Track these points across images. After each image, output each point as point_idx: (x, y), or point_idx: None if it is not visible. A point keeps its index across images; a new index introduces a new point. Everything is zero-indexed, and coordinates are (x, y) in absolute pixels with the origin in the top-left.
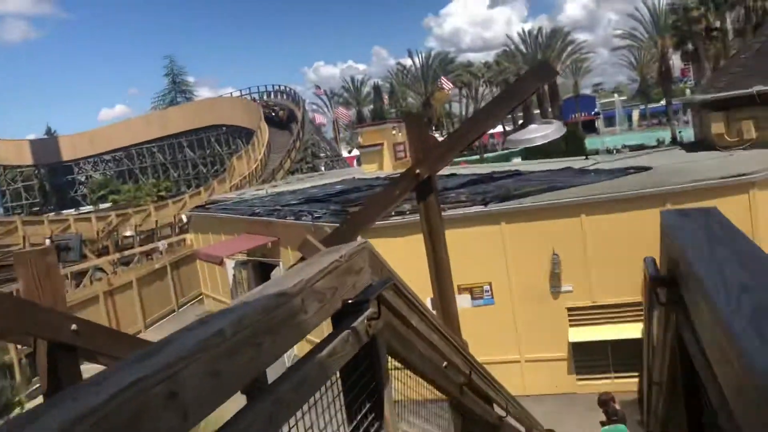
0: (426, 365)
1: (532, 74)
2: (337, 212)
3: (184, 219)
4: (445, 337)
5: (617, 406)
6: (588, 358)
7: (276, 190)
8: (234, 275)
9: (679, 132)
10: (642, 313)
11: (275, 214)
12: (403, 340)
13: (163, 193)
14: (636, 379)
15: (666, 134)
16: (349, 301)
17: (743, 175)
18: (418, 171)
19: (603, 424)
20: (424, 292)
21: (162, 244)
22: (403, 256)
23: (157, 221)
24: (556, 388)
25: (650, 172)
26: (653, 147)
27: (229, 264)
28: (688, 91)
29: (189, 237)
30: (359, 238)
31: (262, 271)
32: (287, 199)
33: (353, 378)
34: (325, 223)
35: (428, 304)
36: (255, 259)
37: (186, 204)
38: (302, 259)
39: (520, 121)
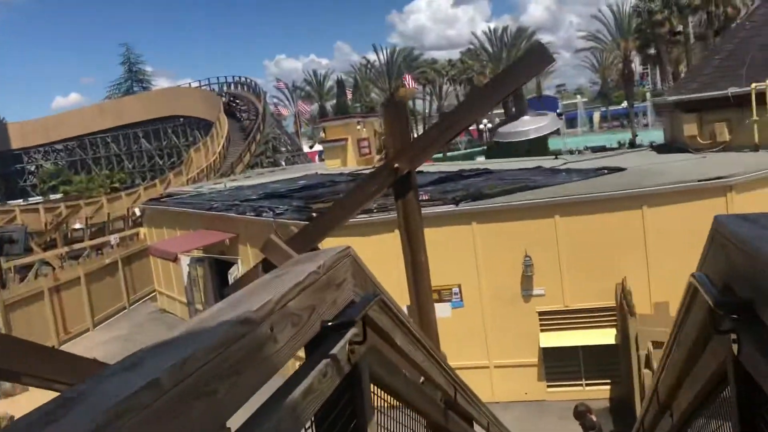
0: (411, 390)
1: (528, 58)
2: (300, 208)
3: (137, 212)
4: (430, 355)
5: (594, 418)
6: (559, 364)
7: (235, 184)
8: (189, 272)
9: (636, 135)
10: (615, 319)
11: (234, 209)
12: (387, 364)
13: (116, 185)
14: (608, 387)
15: (627, 136)
16: (330, 324)
17: (721, 177)
18: (397, 165)
19: None
20: (397, 300)
21: (114, 238)
22: (372, 257)
23: (109, 214)
24: (526, 395)
25: (624, 173)
26: (615, 149)
27: (184, 260)
28: (647, 94)
29: (142, 231)
30: (336, 246)
31: (219, 269)
32: (247, 193)
33: (330, 419)
34: (287, 220)
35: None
36: (212, 257)
37: (140, 196)
38: (265, 261)
39: (497, 120)
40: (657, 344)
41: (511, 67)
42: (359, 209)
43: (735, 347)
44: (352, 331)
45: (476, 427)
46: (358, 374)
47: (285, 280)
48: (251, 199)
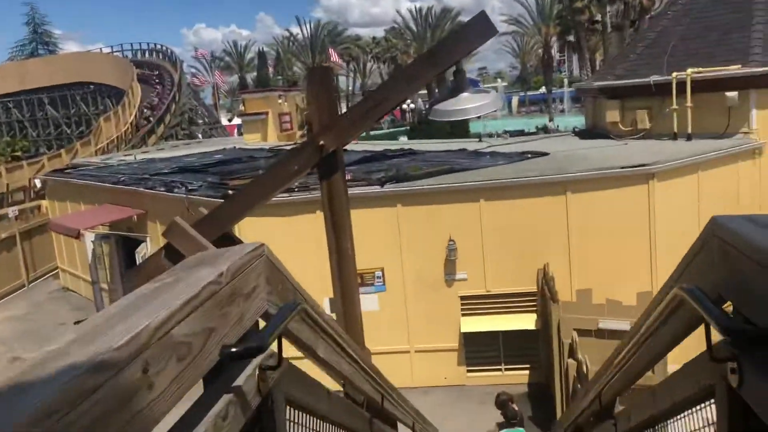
0: (334, 407)
1: (469, 30)
2: (215, 185)
3: (38, 184)
4: (355, 362)
5: (515, 407)
6: (479, 349)
7: (147, 156)
8: (94, 250)
9: (551, 121)
10: (536, 304)
11: (143, 183)
12: (307, 384)
13: (18, 153)
14: (526, 372)
15: (544, 121)
16: (233, 350)
17: (644, 165)
18: (322, 142)
19: (500, 426)
20: (315, 291)
21: (12, 211)
22: (293, 241)
23: (8, 185)
24: (445, 380)
25: (548, 158)
26: (533, 133)
27: (89, 237)
28: (565, 80)
29: (44, 204)
30: (246, 244)
31: (127, 247)
32: (159, 167)
33: None
34: (200, 197)
35: (326, 306)
36: (119, 234)
37: (44, 167)
38: (168, 246)
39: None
40: (580, 332)
41: (453, 37)
42: (279, 190)
43: (734, 377)
44: (264, 354)
45: (402, 427)
46: (271, 406)
47: (172, 293)
48: (162, 173)
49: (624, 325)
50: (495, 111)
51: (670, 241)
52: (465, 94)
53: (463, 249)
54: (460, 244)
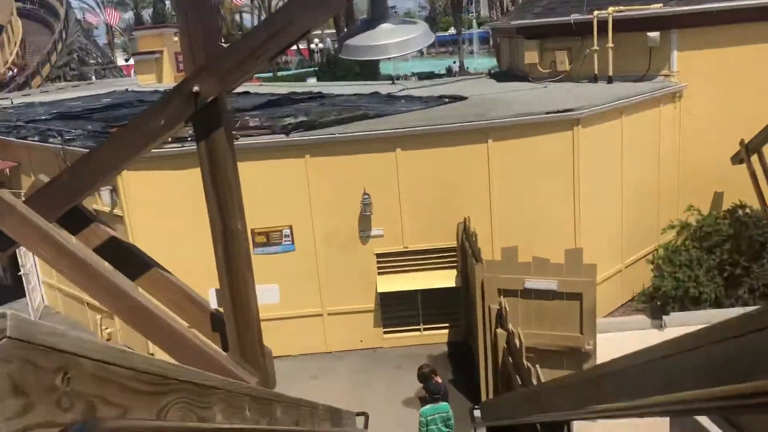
0: None
1: None
2: (97, 133)
3: None
4: None
5: (438, 380)
6: (396, 309)
7: (27, 100)
8: None
9: (455, 62)
10: (456, 260)
11: (15, 132)
12: None
13: None
14: (446, 331)
15: (453, 62)
16: None
17: (569, 110)
18: (196, 88)
19: (422, 400)
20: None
21: None
22: (181, 199)
23: None
24: (361, 343)
25: (465, 103)
26: (442, 75)
27: None
28: (474, 21)
29: None
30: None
31: None
32: (37, 112)
33: None
34: (77, 148)
35: (211, 298)
36: None
37: None
38: None
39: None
40: (506, 292)
41: None
42: (143, 151)
43: None
44: None
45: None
46: None
47: None
48: (40, 119)
49: (551, 284)
50: (426, 45)
51: (594, 192)
52: (387, 26)
53: (379, 203)
54: (375, 197)
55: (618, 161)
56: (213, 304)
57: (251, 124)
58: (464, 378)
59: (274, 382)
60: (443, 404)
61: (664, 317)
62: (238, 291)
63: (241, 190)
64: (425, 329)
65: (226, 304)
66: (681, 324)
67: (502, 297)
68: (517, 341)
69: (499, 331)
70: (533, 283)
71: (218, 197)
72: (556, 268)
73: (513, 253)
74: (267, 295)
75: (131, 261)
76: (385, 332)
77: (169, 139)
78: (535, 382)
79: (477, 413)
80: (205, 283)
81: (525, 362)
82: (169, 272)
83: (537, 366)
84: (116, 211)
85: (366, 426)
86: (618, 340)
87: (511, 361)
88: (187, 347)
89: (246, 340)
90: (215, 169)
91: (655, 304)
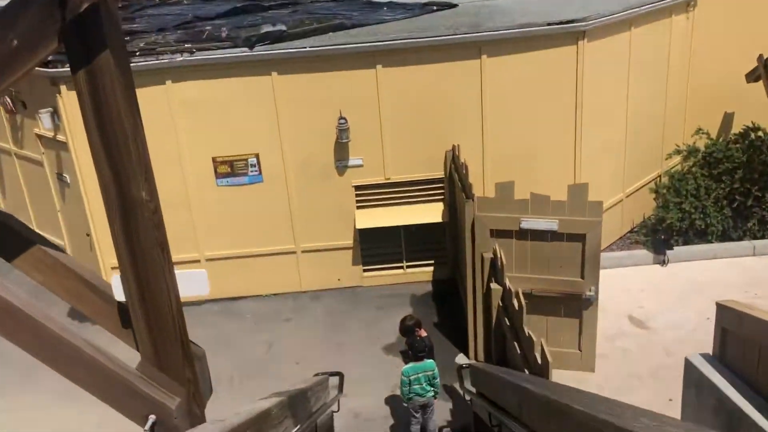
0: None
1: None
2: None
3: None
4: None
5: (424, 333)
6: (377, 246)
7: None
8: None
9: None
10: (443, 193)
11: None
12: None
13: None
14: (431, 268)
15: None
16: None
17: (574, 21)
18: None
19: (405, 356)
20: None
21: None
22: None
23: None
24: (339, 282)
25: (456, 11)
26: None
27: None
28: None
29: None
30: None
31: None
32: None
33: None
34: None
35: (115, 288)
36: None
37: None
38: None
39: None
40: (498, 233)
41: None
42: None
43: None
44: None
45: None
46: None
47: None
48: None
49: (551, 224)
50: None
51: (598, 115)
52: None
53: (357, 128)
54: (353, 122)
55: (624, 79)
56: (118, 295)
57: (211, 34)
58: (450, 320)
59: (210, 390)
60: (428, 362)
61: (668, 252)
62: (147, 280)
63: (145, 140)
64: (408, 267)
65: (131, 297)
66: (685, 259)
67: (497, 245)
68: (515, 302)
69: (494, 286)
70: (531, 222)
71: (109, 152)
72: (556, 206)
73: (509, 189)
74: (191, 283)
75: (6, 238)
76: (364, 270)
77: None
78: (538, 356)
79: (467, 381)
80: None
81: (526, 330)
82: (62, 251)
83: (542, 342)
84: (59, 136)
85: (341, 387)
86: (618, 277)
87: (507, 323)
88: (73, 357)
89: (162, 344)
90: (101, 112)
91: (658, 237)
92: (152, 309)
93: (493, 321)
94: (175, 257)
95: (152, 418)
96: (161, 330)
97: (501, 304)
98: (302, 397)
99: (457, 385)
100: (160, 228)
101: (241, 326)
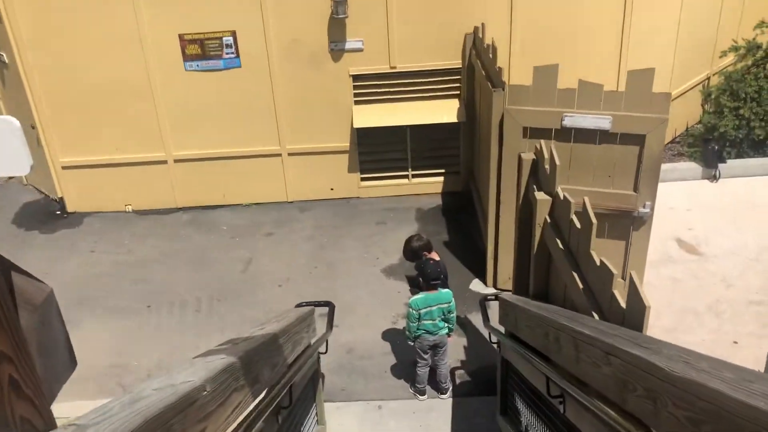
0: None
1: None
2: None
3: None
4: None
5: (436, 257)
6: (378, 150)
7: None
8: None
9: None
10: (459, 86)
11: None
12: None
13: None
14: (440, 179)
15: None
16: None
17: None
18: None
19: (411, 283)
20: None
21: None
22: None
23: None
24: (332, 192)
25: None
26: None
27: None
28: None
29: None
30: None
31: None
32: None
33: None
34: None
35: None
36: None
37: None
38: None
39: None
40: (533, 131)
41: None
42: None
43: None
44: None
45: None
46: None
47: None
48: None
49: (603, 121)
50: None
51: None
52: None
53: (358, 2)
54: None
55: None
56: None
57: None
58: (463, 240)
59: (72, 363)
60: (444, 292)
61: (720, 165)
62: None
63: None
64: (414, 176)
65: None
66: (739, 174)
67: (542, 142)
68: (575, 218)
69: (540, 196)
70: (576, 119)
71: None
72: (611, 99)
73: (550, 74)
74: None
75: None
76: (363, 179)
77: None
78: (620, 297)
79: (494, 322)
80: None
81: (596, 257)
82: None
83: (632, 274)
84: None
85: (330, 323)
86: (660, 193)
87: (561, 245)
88: None
89: None
90: None
91: (710, 147)
92: None
93: (535, 242)
94: (137, 156)
95: None
96: None
97: (549, 220)
98: (274, 345)
99: (469, 316)
100: None
101: (215, 240)
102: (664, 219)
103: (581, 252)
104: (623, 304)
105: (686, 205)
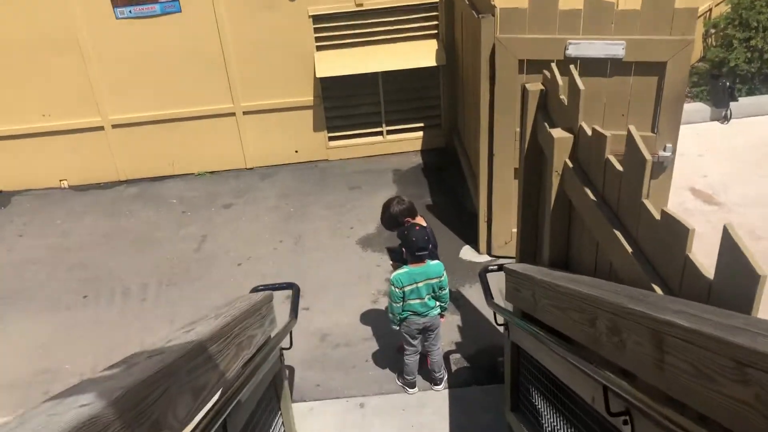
0: None
1: None
2: None
3: None
4: None
5: (423, 223)
6: (346, 105)
7: None
8: None
9: None
10: (437, 24)
11: None
12: None
13: None
14: (419, 134)
15: None
16: None
17: None
18: None
19: (392, 255)
20: None
21: None
22: None
23: None
24: (296, 155)
25: None
26: None
27: None
28: None
29: None
30: None
31: None
32: None
33: None
34: None
35: None
36: None
37: None
38: None
39: None
40: (531, 64)
41: None
42: None
43: None
44: None
45: None
46: None
47: None
48: None
49: (615, 47)
50: None
51: None
52: None
53: None
54: None
55: None
56: None
57: None
58: (449, 201)
59: None
60: (433, 264)
61: (731, 104)
62: None
63: None
64: (389, 133)
65: None
66: (753, 114)
67: (553, 66)
68: (611, 159)
69: (558, 134)
70: (583, 47)
71: None
72: (623, 20)
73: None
74: None
75: None
76: (330, 139)
77: None
78: (707, 272)
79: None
80: None
81: (650, 206)
82: None
83: (728, 225)
84: None
85: (294, 310)
86: None
87: (593, 196)
88: None
89: None
90: None
91: (721, 83)
92: None
93: (552, 194)
94: (68, 123)
95: None
96: None
97: (570, 165)
98: (200, 357)
99: (462, 290)
100: None
101: (164, 216)
102: (674, 166)
103: (626, 203)
104: (709, 274)
105: (697, 151)
